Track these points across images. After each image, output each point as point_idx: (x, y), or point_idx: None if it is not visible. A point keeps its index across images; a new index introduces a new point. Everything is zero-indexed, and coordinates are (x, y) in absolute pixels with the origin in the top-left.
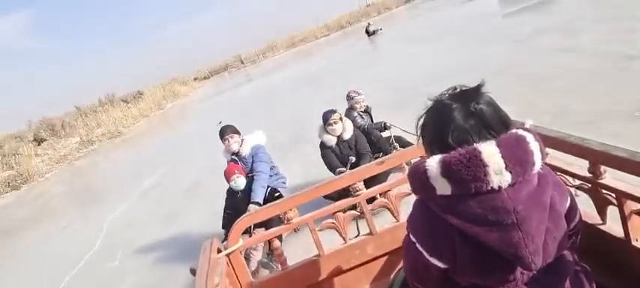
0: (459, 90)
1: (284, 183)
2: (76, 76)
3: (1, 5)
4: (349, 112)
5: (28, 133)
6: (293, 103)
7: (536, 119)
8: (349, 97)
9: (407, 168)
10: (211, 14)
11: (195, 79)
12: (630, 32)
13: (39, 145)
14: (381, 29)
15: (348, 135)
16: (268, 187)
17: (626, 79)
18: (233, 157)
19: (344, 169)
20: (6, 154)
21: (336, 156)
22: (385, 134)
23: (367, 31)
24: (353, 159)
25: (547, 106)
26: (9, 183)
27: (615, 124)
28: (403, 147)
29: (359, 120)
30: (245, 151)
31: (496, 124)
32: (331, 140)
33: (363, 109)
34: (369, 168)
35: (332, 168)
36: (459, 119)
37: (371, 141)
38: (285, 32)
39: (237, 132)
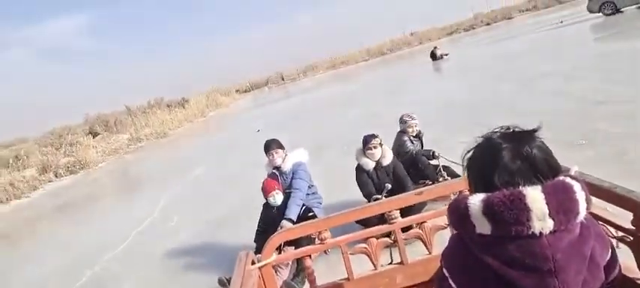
0: (511, 130)
1: (320, 203)
2: (127, 78)
3: (63, 5)
4: (400, 136)
5: (84, 126)
6: (323, 118)
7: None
8: (402, 121)
9: (446, 201)
10: (258, 30)
11: (237, 91)
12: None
13: (93, 138)
14: (447, 54)
15: (387, 161)
16: (303, 205)
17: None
18: (274, 171)
19: (380, 196)
20: (65, 144)
21: (372, 182)
22: (433, 162)
23: (433, 55)
24: (389, 186)
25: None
26: (68, 168)
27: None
28: (451, 177)
29: (409, 144)
30: (287, 166)
31: (545, 170)
32: (369, 164)
33: (414, 134)
34: (407, 197)
35: (366, 193)
36: (508, 161)
37: (418, 168)
38: (327, 54)
39: (282, 147)
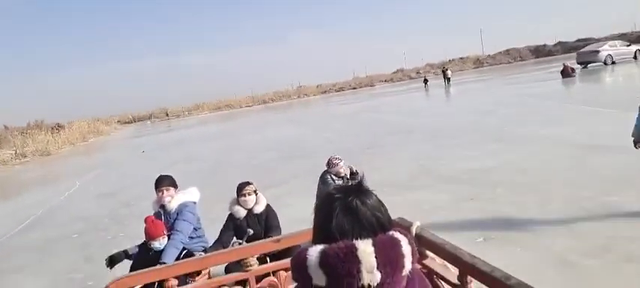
0: (349, 183)
1: (203, 248)
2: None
3: None
4: (324, 175)
5: None
6: (202, 150)
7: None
8: (329, 163)
9: None
10: (149, 62)
11: (118, 121)
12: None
13: None
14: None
15: (260, 208)
16: (184, 249)
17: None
18: (159, 210)
19: (241, 241)
20: None
21: (239, 229)
22: None
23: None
24: (251, 231)
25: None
26: None
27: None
28: None
29: (331, 183)
30: (172, 206)
31: (368, 224)
32: (240, 211)
33: (341, 175)
34: (264, 244)
35: (220, 241)
36: (340, 213)
37: None
38: (214, 96)
39: (175, 185)
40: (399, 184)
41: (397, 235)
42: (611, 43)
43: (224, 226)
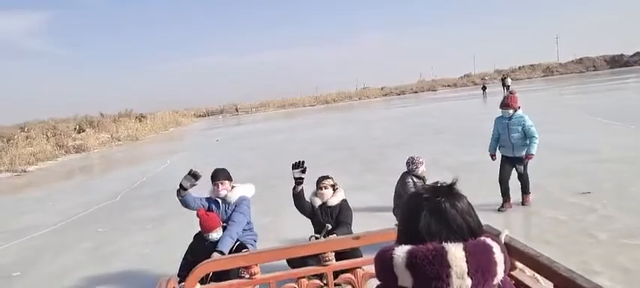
0: (438, 185)
1: (255, 241)
2: (95, 87)
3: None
4: (404, 176)
5: (73, 123)
6: (265, 140)
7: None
8: (408, 162)
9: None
10: (220, 58)
11: (193, 114)
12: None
13: (80, 133)
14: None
15: (334, 202)
16: (237, 240)
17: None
18: (217, 200)
19: (318, 235)
20: (66, 134)
21: (315, 218)
22: None
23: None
24: (329, 226)
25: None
26: (75, 149)
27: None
28: None
29: (411, 185)
30: (233, 198)
31: (457, 228)
32: (316, 201)
33: (420, 175)
34: (344, 240)
35: (304, 211)
36: (427, 213)
37: None
38: (280, 93)
39: (230, 178)
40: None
41: (489, 241)
42: None
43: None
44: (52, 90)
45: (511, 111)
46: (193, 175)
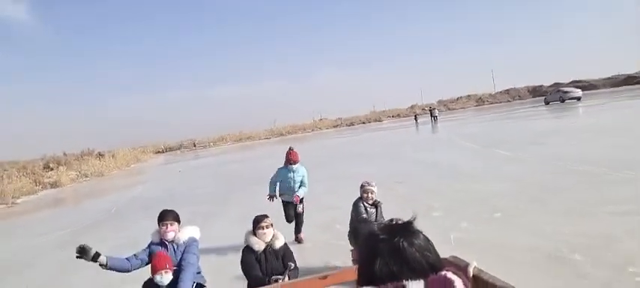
0: (393, 222)
1: (203, 283)
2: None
3: None
4: (357, 202)
5: (40, 162)
6: (222, 169)
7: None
8: (361, 187)
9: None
10: (175, 94)
11: (153, 151)
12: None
13: (49, 170)
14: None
15: (279, 243)
16: (194, 282)
17: None
18: (165, 242)
19: (281, 277)
20: (36, 172)
21: (260, 265)
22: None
23: (431, 113)
24: (292, 265)
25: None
26: (50, 184)
27: None
28: None
29: (363, 211)
30: (182, 238)
31: (418, 265)
32: (259, 244)
33: (371, 202)
34: (310, 281)
35: (253, 277)
36: (385, 253)
37: (359, 235)
38: (238, 127)
39: (178, 220)
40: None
41: (450, 275)
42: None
43: (247, 259)
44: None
45: (296, 166)
46: (84, 250)
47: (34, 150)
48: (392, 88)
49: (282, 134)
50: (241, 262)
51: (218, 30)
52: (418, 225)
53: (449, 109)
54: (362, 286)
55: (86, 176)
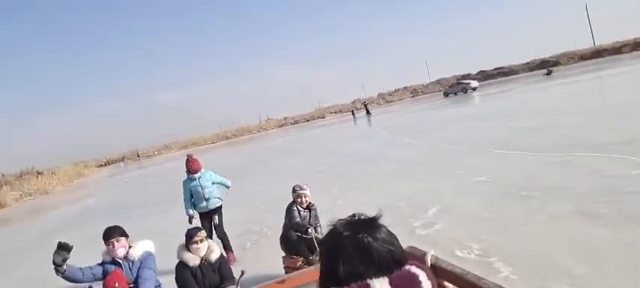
0: (355, 218)
1: None
2: None
3: None
4: (291, 206)
5: None
6: (167, 176)
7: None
8: (293, 191)
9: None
10: (115, 103)
11: (94, 165)
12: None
13: None
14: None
15: (215, 256)
16: None
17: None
18: (117, 260)
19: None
20: None
21: (196, 280)
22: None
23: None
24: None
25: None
26: None
27: None
28: None
29: (296, 215)
30: (136, 254)
31: (384, 261)
32: (194, 259)
33: (304, 205)
34: (268, 285)
35: None
36: (350, 252)
37: (290, 241)
38: (184, 134)
39: (126, 234)
40: (256, 174)
41: (414, 269)
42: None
43: (182, 275)
44: None
45: (198, 174)
46: (64, 248)
47: None
48: (336, 85)
49: (227, 137)
50: (176, 278)
51: (157, 32)
52: (319, 199)
53: (387, 101)
54: (325, 285)
55: (30, 195)
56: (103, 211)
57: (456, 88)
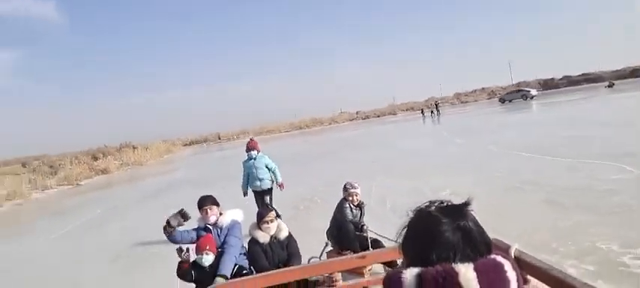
0: (445, 204)
1: (249, 263)
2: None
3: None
4: (342, 203)
5: (87, 154)
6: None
7: None
8: (345, 189)
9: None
10: (198, 91)
11: (180, 144)
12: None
13: (95, 160)
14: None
15: (283, 235)
16: (236, 264)
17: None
18: (208, 226)
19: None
20: (87, 162)
21: (265, 255)
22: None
23: (436, 107)
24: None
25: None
26: (99, 171)
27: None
28: None
29: (348, 212)
30: (225, 221)
31: (480, 245)
32: (264, 237)
33: (355, 203)
34: (349, 260)
35: (259, 267)
36: (448, 235)
37: (342, 235)
38: (261, 122)
39: (217, 203)
40: (316, 160)
41: (500, 258)
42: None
43: (253, 250)
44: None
45: (254, 153)
46: (183, 215)
47: (76, 143)
48: (413, 82)
49: (301, 127)
50: (247, 252)
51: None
52: (362, 184)
53: (461, 102)
54: (409, 265)
55: (128, 165)
56: (189, 181)
57: (515, 95)
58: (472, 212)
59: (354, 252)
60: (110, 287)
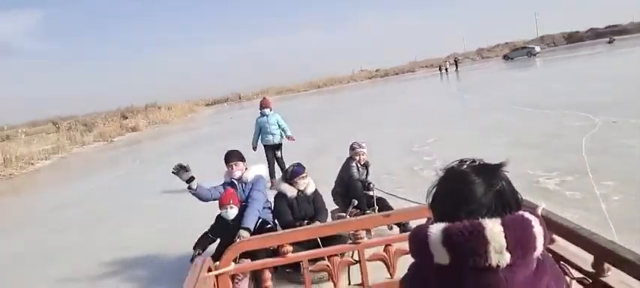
0: (477, 163)
1: (272, 217)
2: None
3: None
4: (348, 162)
5: (116, 113)
6: None
7: None
8: (352, 148)
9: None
10: (221, 50)
11: (203, 104)
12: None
13: (124, 119)
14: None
15: (310, 190)
16: (259, 218)
17: None
18: (233, 180)
19: (304, 221)
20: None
21: (291, 209)
22: (373, 193)
23: (456, 64)
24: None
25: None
26: (129, 129)
27: None
28: (384, 210)
29: (355, 171)
30: (249, 177)
31: (513, 204)
32: (291, 191)
33: (362, 163)
34: (374, 218)
35: (284, 221)
36: (480, 194)
37: (349, 193)
38: (281, 81)
39: (243, 159)
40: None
41: (527, 215)
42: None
43: (279, 206)
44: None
45: (267, 110)
46: (182, 168)
47: (102, 104)
48: (435, 37)
49: (319, 86)
50: (273, 207)
51: None
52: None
53: (482, 57)
54: (436, 221)
55: (155, 123)
56: (213, 137)
57: (521, 52)
58: (505, 172)
59: (361, 210)
60: (168, 209)
